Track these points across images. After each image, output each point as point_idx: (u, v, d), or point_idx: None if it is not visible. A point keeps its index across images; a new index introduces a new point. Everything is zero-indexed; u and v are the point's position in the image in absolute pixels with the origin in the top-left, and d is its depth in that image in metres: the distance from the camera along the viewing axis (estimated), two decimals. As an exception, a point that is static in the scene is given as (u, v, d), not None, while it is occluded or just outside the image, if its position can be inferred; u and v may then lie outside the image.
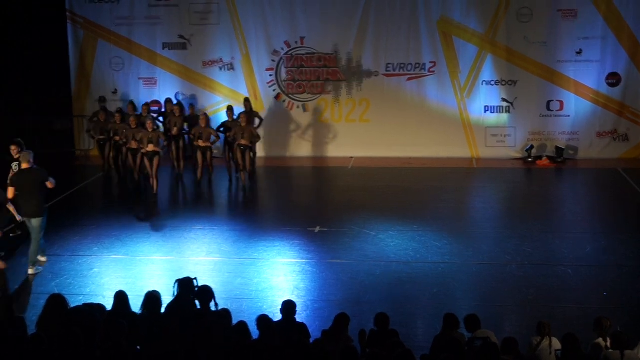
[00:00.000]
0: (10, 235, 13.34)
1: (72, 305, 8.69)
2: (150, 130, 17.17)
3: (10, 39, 21.50)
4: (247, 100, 19.66)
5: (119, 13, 21.34)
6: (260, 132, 19.02)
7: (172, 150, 18.81)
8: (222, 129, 18.70)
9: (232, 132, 18.04)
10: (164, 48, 21.42)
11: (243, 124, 17.95)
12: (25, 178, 12.43)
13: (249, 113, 19.05)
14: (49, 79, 22.09)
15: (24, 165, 12.55)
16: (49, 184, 12.53)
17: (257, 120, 19.44)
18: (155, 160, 17.10)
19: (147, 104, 20.21)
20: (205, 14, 21.19)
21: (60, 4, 21.31)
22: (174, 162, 18.98)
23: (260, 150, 19.75)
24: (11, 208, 12.40)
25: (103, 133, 18.75)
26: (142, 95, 21.52)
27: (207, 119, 18.56)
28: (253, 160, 18.74)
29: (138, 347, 8.14)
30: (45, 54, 21.73)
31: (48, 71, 21.91)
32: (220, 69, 21.39)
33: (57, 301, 8.50)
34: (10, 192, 12.33)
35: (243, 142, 17.83)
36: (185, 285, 8.88)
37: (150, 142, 17.05)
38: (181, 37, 21.33)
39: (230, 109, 18.80)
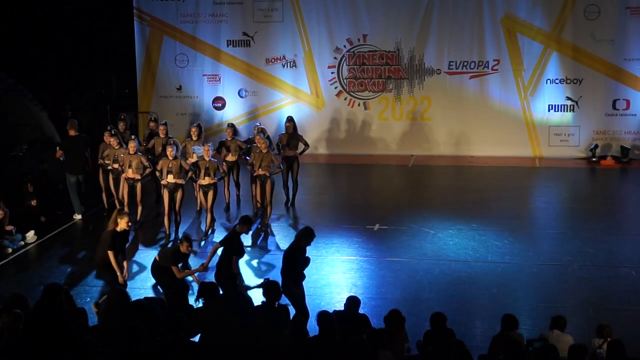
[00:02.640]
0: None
1: (134, 299, 8.86)
2: (170, 157, 13.95)
3: (78, 36, 21.94)
4: (289, 120, 16.35)
5: (185, 10, 21.64)
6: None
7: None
8: (247, 158, 15.36)
9: (250, 160, 14.88)
10: (228, 45, 21.65)
11: (264, 150, 14.64)
12: (73, 143, 15.26)
13: (291, 135, 16.17)
14: (115, 75, 22.51)
15: (72, 133, 15.27)
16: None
17: (301, 146, 16.28)
18: (179, 194, 14.11)
19: (162, 123, 16.06)
20: (269, 12, 21.35)
21: (127, 1, 21.71)
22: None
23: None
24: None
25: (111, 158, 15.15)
26: (206, 91, 21.85)
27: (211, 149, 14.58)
28: (295, 181, 16.11)
29: (196, 340, 8.29)
30: (112, 50, 22.13)
31: (114, 67, 22.32)
32: (283, 66, 21.52)
33: (119, 294, 8.67)
34: (58, 153, 15.32)
35: (261, 172, 14.55)
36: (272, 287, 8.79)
37: (169, 172, 13.94)
38: (245, 34, 21.53)
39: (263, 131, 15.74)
